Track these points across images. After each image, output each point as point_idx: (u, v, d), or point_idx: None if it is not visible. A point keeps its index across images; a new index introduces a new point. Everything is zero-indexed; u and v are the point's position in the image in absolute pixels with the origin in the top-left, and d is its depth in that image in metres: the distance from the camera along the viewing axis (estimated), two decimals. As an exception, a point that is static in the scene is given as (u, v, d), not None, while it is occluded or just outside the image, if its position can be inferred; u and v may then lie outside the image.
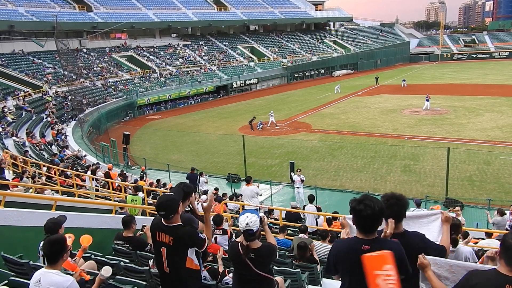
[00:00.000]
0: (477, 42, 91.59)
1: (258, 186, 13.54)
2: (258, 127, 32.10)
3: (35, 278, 3.92)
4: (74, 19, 51.82)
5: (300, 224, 9.95)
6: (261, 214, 5.06)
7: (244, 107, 44.53)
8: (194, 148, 28.24)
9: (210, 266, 5.57)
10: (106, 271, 4.27)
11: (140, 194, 12.93)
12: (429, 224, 3.57)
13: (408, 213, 3.43)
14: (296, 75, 68.30)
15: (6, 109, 28.84)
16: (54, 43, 40.82)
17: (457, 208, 11.34)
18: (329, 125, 31.95)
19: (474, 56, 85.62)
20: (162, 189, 14.38)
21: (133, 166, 23.71)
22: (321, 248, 7.78)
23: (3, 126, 24.33)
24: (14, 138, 22.24)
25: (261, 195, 13.61)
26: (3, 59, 40.67)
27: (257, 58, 67.95)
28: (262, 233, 4.11)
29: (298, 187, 16.16)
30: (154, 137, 32.90)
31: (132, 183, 14.50)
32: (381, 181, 18.97)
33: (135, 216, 9.66)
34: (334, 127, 31.26)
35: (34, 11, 47.66)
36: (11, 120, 26.94)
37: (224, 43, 70.14)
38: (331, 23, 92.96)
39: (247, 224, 3.77)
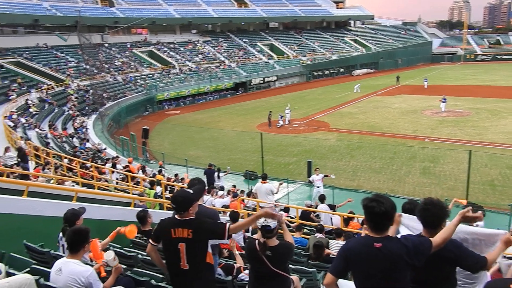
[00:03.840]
0: (502, 43, 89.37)
1: (280, 185, 13.49)
2: (278, 124, 32.16)
3: (56, 267, 4.01)
4: (96, 14, 52.56)
5: (316, 224, 9.91)
6: (280, 212, 5.05)
7: (262, 104, 44.48)
8: (212, 144, 28.37)
9: (224, 263, 5.58)
10: (108, 255, 4.28)
11: (158, 188, 13.10)
12: (490, 246, 3.33)
13: (467, 228, 3.39)
14: (315, 73, 67.86)
15: (30, 101, 29.49)
16: (76, 38, 41.45)
17: (479, 212, 11.10)
18: (348, 125, 31.68)
19: (499, 57, 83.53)
20: (180, 183, 14.49)
21: (152, 160, 23.97)
22: (337, 246, 7.75)
23: (27, 117, 24.88)
24: (37, 129, 22.74)
25: (276, 193, 13.56)
26: (27, 53, 41.53)
27: (276, 56, 67.77)
28: (279, 231, 4.11)
29: (318, 186, 16.06)
30: (172, 132, 33.17)
31: (150, 177, 14.68)
32: (399, 183, 18.73)
33: (153, 210, 9.81)
34: (353, 126, 30.98)
35: (58, 6, 48.51)
36: (34, 112, 27.54)
37: (244, 40, 70.16)
38: (352, 22, 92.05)
39: (265, 219, 3.78)
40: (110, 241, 5.76)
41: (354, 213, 11.42)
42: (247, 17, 73.00)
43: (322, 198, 12.20)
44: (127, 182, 13.73)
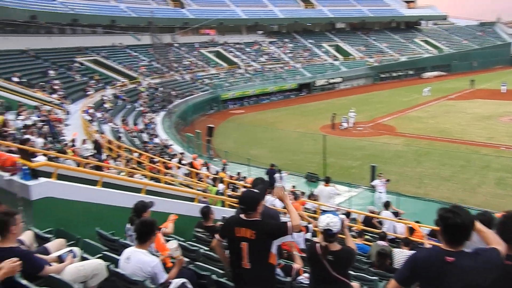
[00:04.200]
0: None
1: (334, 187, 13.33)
2: (341, 127, 31.67)
3: (125, 255, 4.22)
4: (167, 15, 54.68)
5: (380, 231, 9.60)
6: (342, 216, 4.96)
7: (326, 106, 43.88)
8: (274, 144, 28.45)
9: (284, 264, 5.58)
10: (171, 244, 4.47)
11: (221, 186, 13.39)
12: None
13: None
14: (382, 75, 65.72)
15: (105, 97, 31.38)
16: (149, 38, 43.56)
17: None
18: (416, 129, 30.37)
19: None
20: (242, 182, 14.70)
21: (215, 158, 24.54)
22: (401, 255, 7.45)
23: (102, 112, 26.49)
24: (110, 124, 24.13)
25: (339, 195, 13.34)
26: (104, 51, 44.19)
27: (342, 57, 66.59)
28: (341, 236, 4.04)
29: (380, 192, 15.58)
30: (236, 131, 33.71)
31: (213, 174, 15.03)
32: (471, 193, 17.63)
33: (215, 207, 10.04)
34: (421, 131, 29.65)
35: (133, 7, 51.16)
36: (108, 108, 29.25)
37: (309, 40, 69.65)
38: (423, 22, 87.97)
39: (327, 223, 3.73)
40: (173, 226, 5.98)
41: (419, 222, 10.92)
42: (313, 18, 72.40)
43: (386, 205, 11.81)
44: (191, 178, 14.17)
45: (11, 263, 3.28)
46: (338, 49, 69.45)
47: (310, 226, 7.99)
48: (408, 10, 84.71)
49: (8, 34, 35.96)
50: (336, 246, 3.79)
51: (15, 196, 6.12)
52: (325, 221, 3.76)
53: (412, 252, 6.68)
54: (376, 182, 16.17)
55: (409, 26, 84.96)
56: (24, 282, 3.36)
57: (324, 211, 10.53)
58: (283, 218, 7.05)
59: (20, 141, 10.18)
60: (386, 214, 11.47)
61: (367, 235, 10.40)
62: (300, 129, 32.24)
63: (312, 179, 19.75)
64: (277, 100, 51.07)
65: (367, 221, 11.59)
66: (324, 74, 59.28)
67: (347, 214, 12.33)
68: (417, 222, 10.99)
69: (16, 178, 6.20)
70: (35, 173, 6.25)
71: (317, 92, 55.81)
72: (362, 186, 18.91)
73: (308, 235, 8.34)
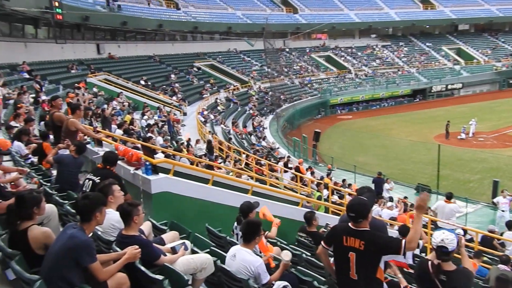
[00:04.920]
0: None
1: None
2: (459, 136, 29.27)
3: (231, 253, 4.42)
4: (281, 21, 55.78)
5: (501, 253, 8.65)
6: (460, 232, 4.57)
7: (443, 113, 40.75)
8: (382, 152, 27.36)
9: (390, 279, 5.33)
10: (286, 255, 4.54)
11: (325, 191, 13.27)
12: None
13: None
14: (512, 82, 59.04)
15: (218, 100, 33.18)
16: (262, 43, 44.88)
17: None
18: (551, 143, 26.78)
19: None
20: (347, 189, 14.39)
21: (320, 163, 24.38)
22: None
23: (215, 114, 28.06)
24: (222, 126, 25.44)
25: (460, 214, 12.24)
26: (220, 57, 46.73)
27: (464, 61, 61.32)
28: (456, 255, 3.73)
29: (503, 210, 14.03)
30: (342, 136, 33.10)
31: (318, 180, 14.96)
32: None
33: (317, 212, 9.99)
34: (558, 145, 26.06)
35: (248, 14, 53.23)
36: (221, 110, 30.88)
37: (427, 44, 65.39)
38: None
39: (442, 240, 3.47)
40: (276, 231, 6.07)
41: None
42: (433, 19, 67.69)
43: (510, 225, 10.59)
44: (296, 182, 14.27)
45: (134, 250, 3.65)
46: (460, 52, 64.09)
47: (421, 242, 7.52)
48: (549, 8, 74.79)
49: (139, 42, 40.05)
50: (450, 266, 3.51)
51: (138, 189, 6.78)
52: (439, 237, 3.51)
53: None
54: (499, 199, 14.60)
55: (549, 25, 75.00)
56: (142, 268, 3.69)
57: (439, 227, 9.82)
58: (389, 231, 6.77)
59: (143, 138, 11.27)
60: (510, 236, 10.28)
61: (486, 256, 9.47)
62: (412, 137, 30.46)
63: (423, 191, 18.54)
64: (388, 106, 48.94)
65: (486, 242, 10.52)
66: (442, 79, 55.22)
67: (464, 232, 11.32)
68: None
69: (139, 172, 6.86)
70: (155, 169, 6.85)
71: (433, 99, 52.24)
72: (481, 203, 17.25)
73: (417, 251, 7.87)
